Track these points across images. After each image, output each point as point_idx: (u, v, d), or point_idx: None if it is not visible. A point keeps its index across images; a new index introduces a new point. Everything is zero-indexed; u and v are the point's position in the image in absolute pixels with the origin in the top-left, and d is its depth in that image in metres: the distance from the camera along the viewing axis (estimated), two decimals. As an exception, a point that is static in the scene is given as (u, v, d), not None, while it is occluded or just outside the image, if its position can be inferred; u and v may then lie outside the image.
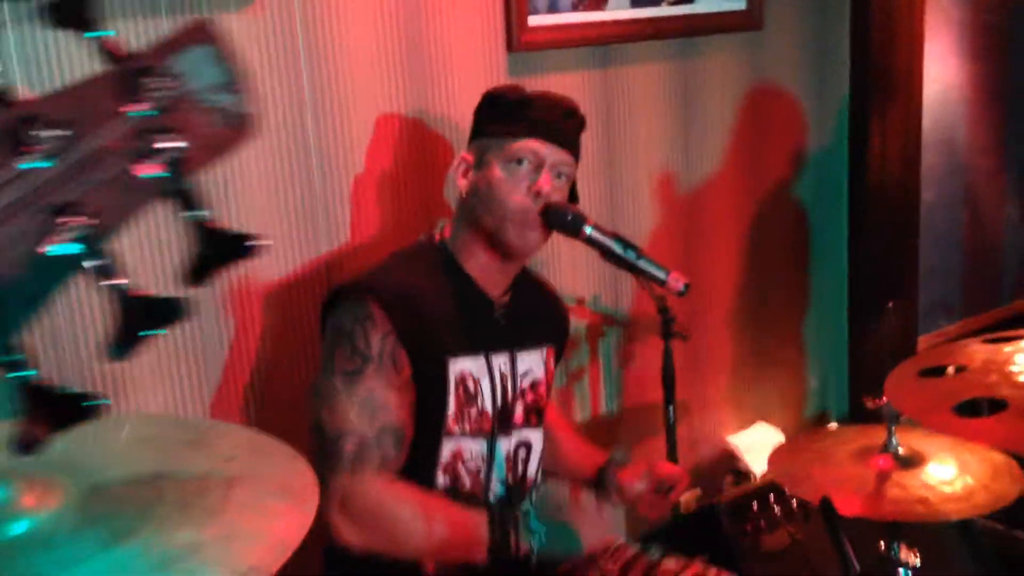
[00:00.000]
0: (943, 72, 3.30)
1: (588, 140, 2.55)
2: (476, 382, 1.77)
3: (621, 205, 2.69)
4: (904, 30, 3.06)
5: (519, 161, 1.74)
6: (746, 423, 3.10)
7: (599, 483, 2.01)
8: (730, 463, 3.00)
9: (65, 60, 1.77)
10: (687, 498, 2.89)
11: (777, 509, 2.62)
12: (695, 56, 2.77)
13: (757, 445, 2.96)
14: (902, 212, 3.22)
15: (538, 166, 1.75)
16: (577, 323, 2.66)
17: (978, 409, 1.31)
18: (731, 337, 3.05)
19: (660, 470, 1.93)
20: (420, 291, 1.74)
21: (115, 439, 1.00)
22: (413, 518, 1.63)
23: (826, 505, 1.22)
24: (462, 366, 1.75)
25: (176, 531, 0.87)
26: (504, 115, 1.77)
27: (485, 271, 1.82)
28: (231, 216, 1.99)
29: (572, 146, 1.81)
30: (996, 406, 1.30)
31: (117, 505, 0.88)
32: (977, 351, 1.54)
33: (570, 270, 2.58)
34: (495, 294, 1.84)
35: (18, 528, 0.83)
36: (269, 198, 2.06)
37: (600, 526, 1.69)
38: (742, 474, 2.95)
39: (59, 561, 0.81)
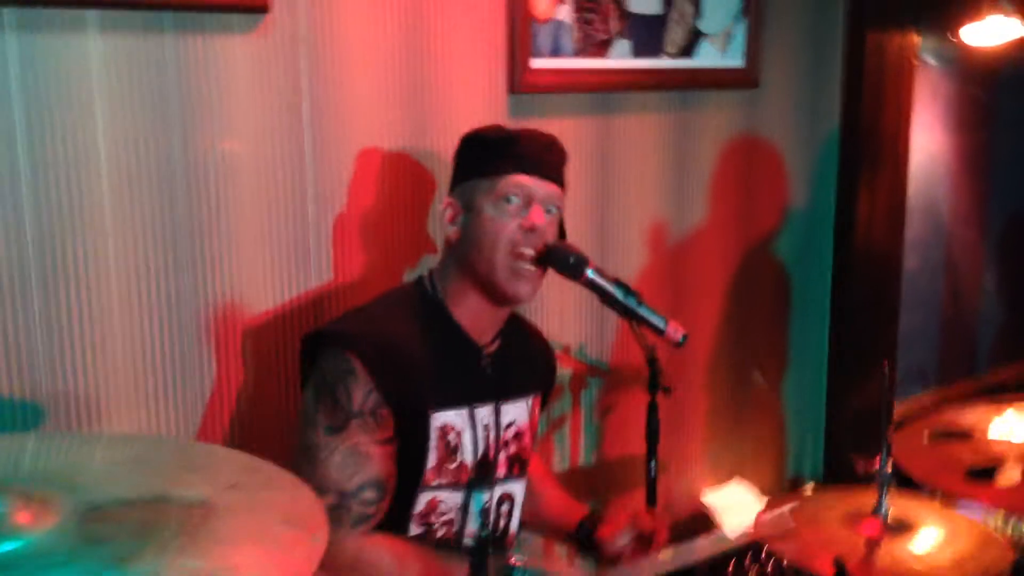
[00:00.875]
0: (929, 142, 3.35)
1: (582, 184, 2.57)
2: (458, 434, 1.73)
3: (611, 251, 2.67)
4: (893, 99, 3.11)
5: (508, 199, 1.70)
6: (722, 480, 3.07)
7: (579, 537, 1.97)
8: (707, 522, 2.95)
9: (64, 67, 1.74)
10: (662, 556, 2.84)
11: (753, 571, 2.58)
12: (692, 109, 2.78)
13: (733, 505, 2.93)
14: (885, 276, 3.24)
15: (527, 202, 1.72)
16: (561, 371, 2.62)
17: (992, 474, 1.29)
18: (710, 392, 3.03)
19: (640, 522, 1.89)
20: (404, 342, 1.69)
21: (110, 458, 0.94)
22: (392, 568, 1.62)
23: (840, 569, 1.19)
24: (445, 419, 1.71)
25: (180, 558, 0.81)
26: (488, 154, 1.73)
27: (474, 318, 1.77)
28: (221, 243, 1.95)
29: (558, 178, 1.78)
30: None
31: (117, 526, 0.82)
32: (985, 415, 1.52)
33: (557, 317, 2.55)
34: (483, 342, 1.80)
35: (11, 545, 0.78)
36: (263, 227, 2.02)
37: None
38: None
39: (56, 583, 0.75)
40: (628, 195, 2.68)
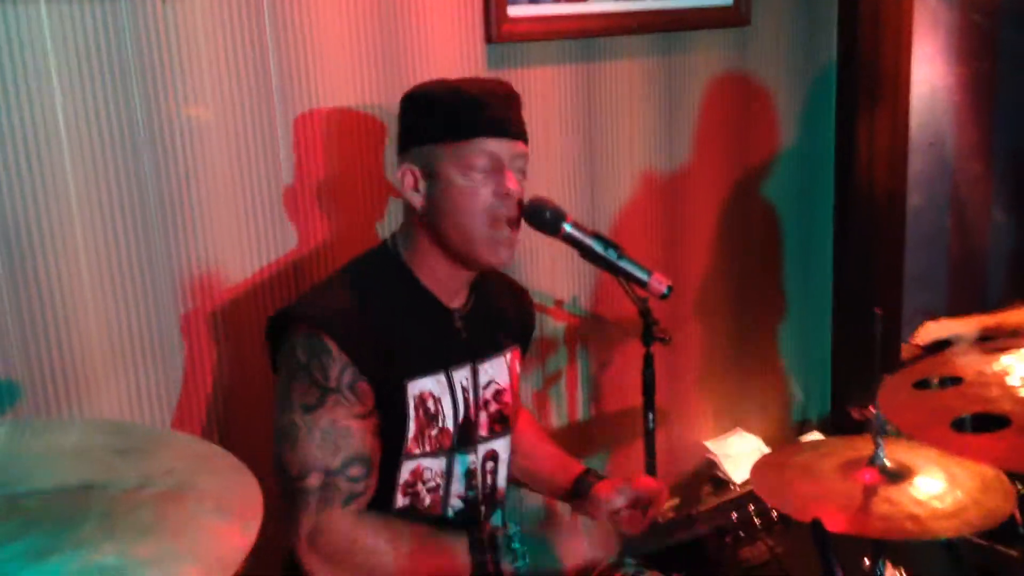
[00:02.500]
0: (931, 74, 3.24)
1: (568, 133, 2.50)
2: (437, 401, 1.69)
3: (601, 202, 2.61)
4: (892, 31, 3.00)
5: (481, 168, 1.62)
6: (724, 429, 3.03)
7: (575, 495, 1.94)
8: (709, 471, 2.92)
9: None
10: (664, 507, 2.82)
11: (757, 520, 2.55)
12: (680, 51, 2.69)
13: (736, 452, 2.89)
14: (889, 216, 3.16)
15: (497, 166, 1.64)
16: (555, 325, 2.58)
17: (977, 424, 1.24)
18: (709, 341, 2.97)
19: (639, 485, 1.85)
20: (374, 314, 1.65)
21: (45, 446, 0.90)
22: (388, 550, 1.58)
23: (817, 528, 1.14)
24: (421, 387, 1.67)
25: (101, 549, 0.77)
26: (447, 118, 1.63)
27: (443, 281, 1.72)
28: (192, 212, 1.90)
29: (523, 134, 1.69)
30: (995, 422, 1.23)
31: (38, 518, 0.78)
32: (972, 362, 1.46)
33: (548, 270, 2.50)
34: (454, 303, 1.75)
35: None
36: (235, 192, 1.96)
37: (581, 544, 1.62)
38: (721, 482, 2.88)
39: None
40: (616, 142, 2.61)
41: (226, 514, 0.83)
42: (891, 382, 1.45)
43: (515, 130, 1.67)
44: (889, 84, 3.05)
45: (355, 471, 1.58)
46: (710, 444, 2.95)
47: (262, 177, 1.99)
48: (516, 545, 1.60)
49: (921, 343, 3.19)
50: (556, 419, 2.62)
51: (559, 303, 2.56)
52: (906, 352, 3.35)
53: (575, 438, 2.65)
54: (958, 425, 1.22)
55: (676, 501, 2.87)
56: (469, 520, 1.78)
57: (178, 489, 0.85)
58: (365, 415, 1.61)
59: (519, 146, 1.67)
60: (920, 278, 3.46)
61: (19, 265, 1.73)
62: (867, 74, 3.04)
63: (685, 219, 2.83)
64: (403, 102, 1.71)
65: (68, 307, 1.79)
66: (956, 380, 1.36)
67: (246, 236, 1.99)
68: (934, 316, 3.52)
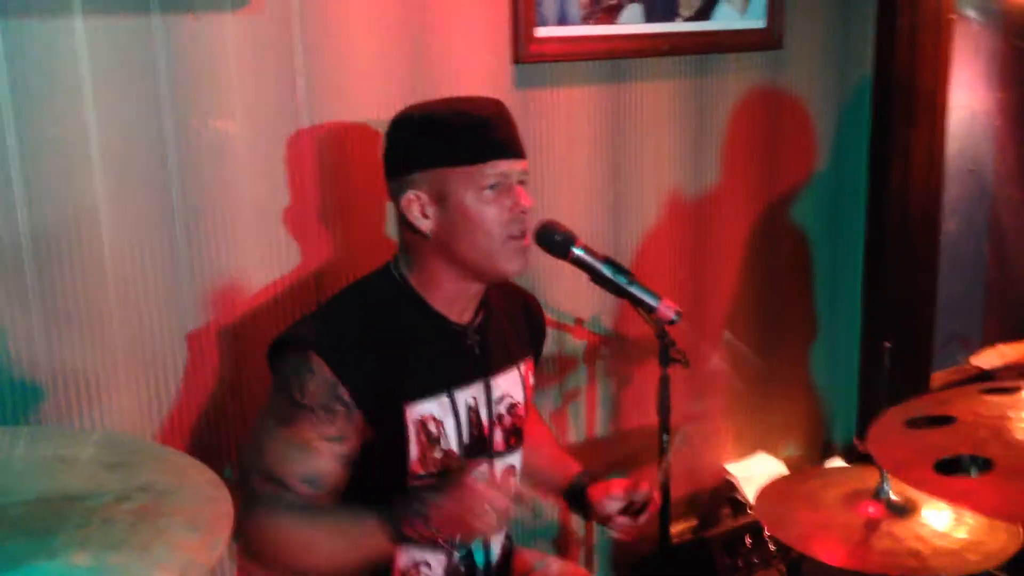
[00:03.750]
0: (970, 99, 3.20)
1: (595, 153, 2.52)
2: (439, 423, 1.71)
3: (626, 223, 2.62)
4: (930, 55, 2.97)
5: (492, 186, 1.65)
6: (746, 452, 3.02)
7: (570, 494, 1.95)
8: (728, 493, 2.91)
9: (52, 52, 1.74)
10: (681, 528, 2.82)
11: (771, 545, 2.54)
12: (710, 74, 2.69)
13: (757, 475, 2.88)
14: (921, 241, 3.12)
15: (507, 185, 1.66)
16: (575, 344, 2.60)
17: (965, 467, 1.23)
18: (733, 363, 2.96)
19: (632, 488, 1.85)
20: (374, 337, 1.66)
21: (30, 455, 0.95)
22: (308, 540, 1.60)
23: (794, 566, 1.15)
24: (422, 410, 1.68)
25: (74, 557, 0.81)
26: (454, 140, 1.64)
27: (452, 300, 1.73)
28: (216, 225, 1.95)
29: (523, 151, 1.72)
30: (984, 465, 1.22)
31: (12, 528, 0.82)
32: (973, 402, 1.45)
33: (570, 289, 2.50)
34: (465, 320, 1.76)
35: (-99, 551, 0.79)
36: (258, 205, 2.01)
37: (487, 500, 1.54)
38: (740, 505, 2.87)
39: (-62, 590, 0.76)
40: (643, 164, 2.62)
41: (196, 530, 0.87)
42: (887, 417, 1.45)
43: (520, 150, 1.70)
44: (926, 108, 3.02)
45: (304, 488, 1.61)
46: (730, 466, 2.94)
47: (285, 191, 2.04)
48: (418, 503, 1.57)
49: (985, 367, 3.17)
50: (574, 436, 2.63)
51: (579, 321, 2.58)
52: (960, 372, 3.32)
53: (593, 456, 2.65)
54: (939, 467, 1.21)
55: (694, 522, 2.87)
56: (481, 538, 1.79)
57: (154, 503, 0.89)
58: (334, 438, 1.62)
59: (524, 164, 1.71)
60: (955, 304, 3.42)
61: (48, 273, 1.79)
62: (903, 97, 3.01)
63: (712, 241, 2.82)
64: (399, 126, 1.71)
65: (94, 314, 1.85)
66: (949, 419, 1.35)
67: (268, 249, 2.04)
68: (968, 343, 3.49)
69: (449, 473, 1.71)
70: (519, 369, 1.86)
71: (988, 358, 3.31)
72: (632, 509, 1.84)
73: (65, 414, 1.84)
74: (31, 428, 1.58)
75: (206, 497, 0.94)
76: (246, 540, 1.61)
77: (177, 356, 1.96)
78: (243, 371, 2.04)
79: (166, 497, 0.91)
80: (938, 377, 3.29)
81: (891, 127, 3.04)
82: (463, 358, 1.75)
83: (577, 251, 1.77)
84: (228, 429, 2.04)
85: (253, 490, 1.61)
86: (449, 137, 1.65)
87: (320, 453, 1.61)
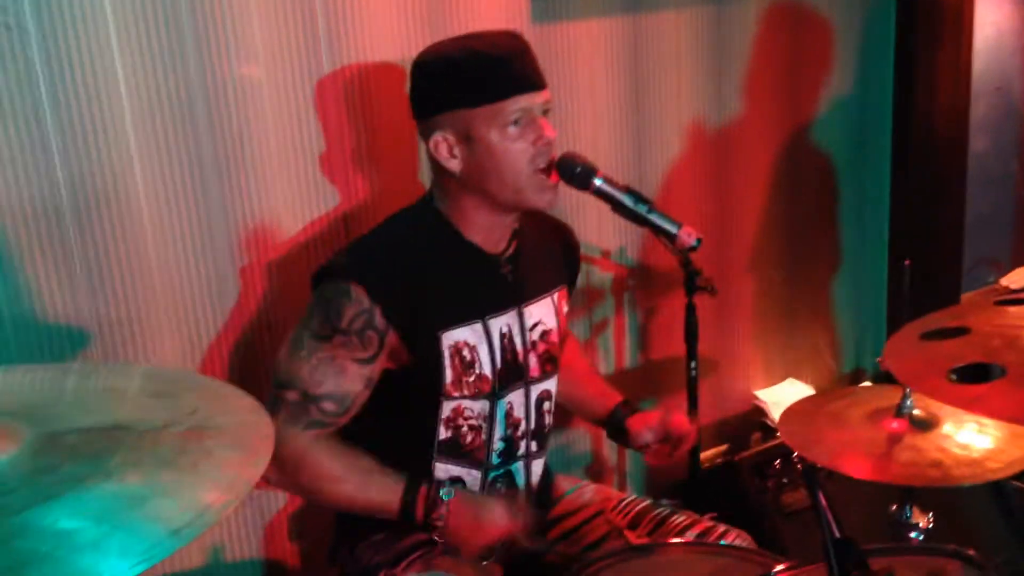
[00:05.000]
0: (997, 16, 3.15)
1: (614, 84, 2.52)
2: (472, 349, 1.76)
3: (648, 154, 2.63)
4: (955, -29, 2.92)
5: (515, 122, 1.68)
6: (776, 379, 3.06)
7: (610, 424, 2.02)
8: (758, 419, 2.96)
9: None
10: (712, 453, 2.87)
11: (799, 466, 2.58)
12: (730, 1, 2.67)
13: (786, 401, 2.90)
14: (948, 162, 3.10)
15: (531, 118, 1.70)
16: (602, 275, 2.63)
17: (977, 374, 1.26)
18: (762, 292, 2.99)
19: (670, 422, 1.91)
20: (411, 267, 1.72)
21: (82, 387, 1.01)
22: (332, 476, 1.70)
23: (808, 472, 1.20)
24: (456, 337, 1.74)
25: (128, 477, 0.88)
26: (475, 80, 1.67)
27: (486, 232, 1.78)
28: (246, 168, 2.00)
29: (544, 80, 1.74)
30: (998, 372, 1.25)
31: (70, 453, 0.89)
32: (988, 314, 1.48)
33: (595, 222, 2.54)
34: (499, 250, 1.81)
35: (-32, 472, 0.85)
36: (287, 148, 2.05)
37: (507, 515, 1.70)
38: (770, 430, 2.91)
39: (6, 507, 0.82)
40: (664, 95, 2.62)
41: (240, 449, 0.93)
42: (903, 332, 1.48)
43: (540, 81, 1.72)
44: (952, 25, 2.98)
45: (329, 405, 1.69)
46: (760, 392, 2.98)
47: (313, 134, 2.08)
48: (442, 500, 1.69)
49: (1015, 287, 3.16)
50: (604, 367, 2.68)
51: (606, 254, 2.61)
52: (991, 293, 3.32)
53: (622, 386, 2.66)
54: (960, 375, 1.24)
55: (725, 447, 2.93)
56: (511, 457, 1.86)
57: (199, 427, 0.95)
58: (364, 360, 1.69)
59: (545, 94, 1.73)
60: (985, 225, 3.40)
61: (86, 219, 1.85)
62: (928, 15, 2.97)
63: (736, 170, 2.83)
64: (419, 69, 1.74)
65: (132, 259, 1.91)
66: (964, 331, 1.38)
67: (299, 190, 2.09)
68: (998, 263, 3.47)
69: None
70: (552, 298, 1.91)
71: (1018, 278, 3.31)
72: (669, 441, 1.90)
73: (111, 356, 1.92)
74: (81, 364, 1.65)
75: (247, 421, 1.00)
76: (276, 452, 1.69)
77: (215, 298, 2.02)
78: (280, 309, 2.10)
79: (210, 421, 0.97)
80: (968, 298, 3.29)
81: (916, 47, 3.01)
82: (497, 286, 1.81)
83: (598, 182, 1.80)
84: (264, 368, 2.11)
85: (280, 398, 1.69)
86: (468, 78, 1.67)
87: (349, 374, 1.68)
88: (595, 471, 2.73)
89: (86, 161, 1.84)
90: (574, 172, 1.78)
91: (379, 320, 1.67)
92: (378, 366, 1.71)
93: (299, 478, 1.70)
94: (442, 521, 1.69)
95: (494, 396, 1.81)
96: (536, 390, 1.88)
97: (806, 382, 3.06)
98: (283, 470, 1.67)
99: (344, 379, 1.68)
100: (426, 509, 1.69)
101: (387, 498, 1.70)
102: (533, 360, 1.87)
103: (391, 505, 1.70)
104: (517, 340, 1.83)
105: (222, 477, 0.88)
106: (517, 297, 1.83)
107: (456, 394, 1.77)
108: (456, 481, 1.81)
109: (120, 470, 0.87)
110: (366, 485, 1.71)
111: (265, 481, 1.67)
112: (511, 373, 1.83)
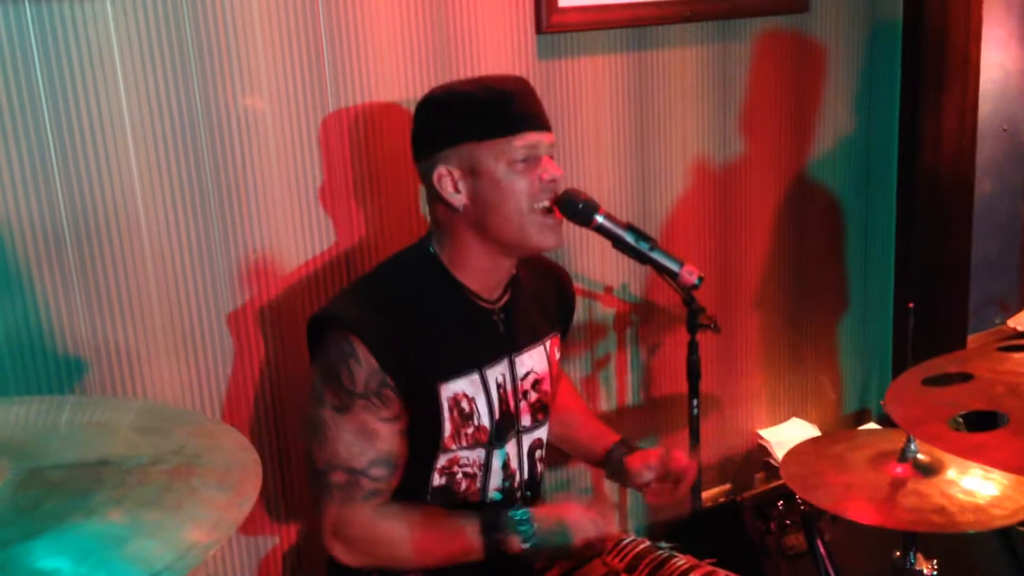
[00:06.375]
0: (1004, 59, 3.15)
1: (620, 124, 2.53)
2: (471, 401, 1.74)
3: (652, 191, 2.63)
4: (961, 13, 2.92)
5: (523, 159, 1.67)
6: (780, 418, 3.03)
7: (609, 464, 1.99)
8: (762, 458, 2.93)
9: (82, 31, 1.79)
10: (715, 492, 2.84)
11: (804, 508, 2.55)
12: (735, 39, 2.68)
13: (790, 440, 2.89)
14: (955, 203, 3.09)
15: (536, 156, 1.69)
16: (605, 311, 2.62)
17: (979, 422, 1.24)
18: (767, 330, 2.97)
19: (670, 459, 1.89)
20: (407, 317, 1.69)
21: (73, 421, 1.00)
22: (406, 538, 1.67)
23: (807, 520, 1.18)
24: (455, 388, 1.72)
25: (110, 515, 0.86)
26: (483, 115, 1.67)
27: (483, 278, 1.76)
28: (248, 200, 2.00)
29: (550, 124, 1.74)
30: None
31: (53, 490, 0.87)
32: (991, 360, 1.46)
33: (598, 257, 2.53)
34: (492, 298, 1.79)
35: (-53, 509, 0.84)
36: (289, 180, 2.05)
37: (591, 521, 1.67)
38: (774, 469, 2.88)
39: (-16, 546, 0.81)
40: (669, 132, 2.62)
41: (226, 489, 0.91)
42: (906, 377, 1.46)
43: (547, 122, 1.73)
44: (958, 67, 2.98)
45: (378, 472, 1.65)
46: (764, 432, 2.96)
47: (317, 165, 2.08)
48: (523, 524, 1.65)
49: (1022, 328, 3.14)
50: (605, 404, 2.66)
51: (609, 289, 2.60)
52: (997, 335, 3.29)
53: (624, 422, 2.68)
54: (953, 424, 1.22)
55: (727, 486, 2.90)
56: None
57: (186, 465, 0.93)
58: (392, 418, 1.66)
59: (551, 136, 1.73)
60: (992, 266, 3.39)
61: (87, 247, 1.85)
62: (934, 57, 2.97)
63: (741, 208, 2.82)
64: (426, 104, 1.74)
65: (132, 288, 1.91)
66: (967, 376, 1.36)
67: (301, 224, 2.08)
68: (1005, 305, 3.45)
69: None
70: (544, 345, 1.88)
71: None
72: (669, 479, 1.88)
73: (109, 386, 1.91)
74: (76, 398, 1.64)
75: (235, 459, 0.98)
76: (337, 534, 1.66)
77: (216, 328, 2.01)
78: (280, 341, 2.09)
79: (197, 459, 0.96)
80: (974, 340, 3.27)
81: (922, 87, 3.01)
82: (490, 336, 1.78)
83: (600, 218, 1.79)
84: (266, 397, 2.10)
85: (326, 484, 1.65)
86: (478, 112, 1.67)
87: (383, 435, 1.65)
88: (595, 508, 2.69)
89: (88, 188, 1.83)
90: (576, 208, 1.78)
91: (386, 376, 1.64)
92: (405, 420, 1.69)
93: (377, 552, 1.67)
94: (533, 538, 1.65)
95: (491, 446, 1.79)
96: (528, 440, 1.86)
97: (811, 422, 3.03)
98: (358, 550, 1.66)
99: (380, 441, 1.65)
100: (511, 535, 1.65)
101: (467, 542, 1.66)
102: (524, 409, 1.84)
103: (474, 548, 1.66)
104: (509, 389, 1.81)
105: (206, 517, 0.86)
106: (509, 347, 1.81)
107: (453, 446, 1.74)
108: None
109: (103, 508, 0.86)
110: (442, 537, 1.68)
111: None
112: (506, 423, 1.80)
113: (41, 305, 1.82)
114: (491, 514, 1.69)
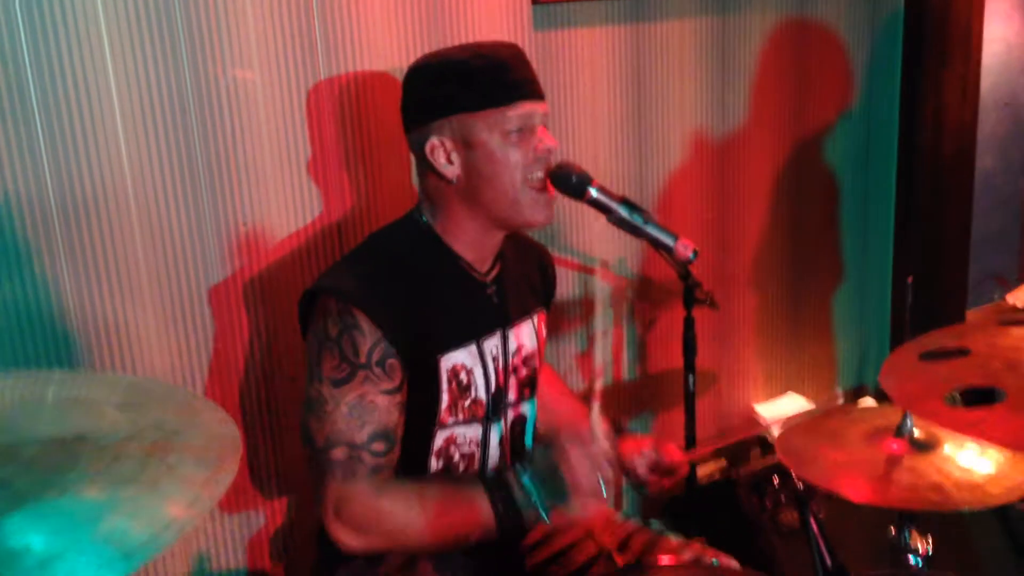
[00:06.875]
0: (1006, 31, 3.11)
1: (617, 96, 2.49)
2: (469, 372, 1.71)
3: (650, 164, 2.60)
4: (964, -15, 2.89)
5: (518, 129, 1.63)
6: (776, 393, 3.02)
7: None
8: (757, 433, 2.91)
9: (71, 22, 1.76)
10: (711, 469, 2.83)
11: (798, 485, 2.54)
12: (735, 10, 2.65)
13: (786, 415, 2.88)
14: (955, 179, 3.06)
15: (531, 126, 1.66)
16: (601, 287, 2.60)
17: (977, 397, 1.22)
18: (763, 305, 2.95)
19: (663, 454, 1.86)
20: (407, 287, 1.66)
21: (53, 397, 0.98)
22: (412, 513, 1.59)
23: (801, 500, 1.16)
24: (454, 360, 1.69)
25: (85, 492, 0.84)
26: (476, 85, 1.62)
27: (475, 249, 1.73)
28: (238, 173, 1.97)
29: (543, 93, 1.70)
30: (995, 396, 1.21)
31: (27, 467, 0.85)
32: (989, 335, 1.44)
33: (595, 232, 2.50)
34: (484, 270, 1.76)
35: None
36: (280, 153, 2.03)
37: (591, 481, 1.56)
38: (769, 445, 2.87)
39: (-45, 524, 0.79)
40: (667, 104, 2.59)
41: (204, 466, 0.89)
42: (902, 351, 1.44)
43: (540, 91, 1.69)
44: (960, 41, 2.94)
45: (379, 446, 1.60)
46: (759, 407, 2.94)
47: (306, 139, 2.05)
48: (527, 484, 1.57)
49: (1021, 304, 3.12)
50: (601, 379, 2.64)
51: (605, 264, 2.58)
52: (996, 310, 3.28)
53: (620, 399, 2.67)
54: (950, 399, 1.20)
55: (723, 462, 2.88)
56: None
57: (164, 441, 0.91)
58: (393, 391, 1.62)
59: (545, 106, 1.70)
60: (991, 242, 3.36)
61: (75, 221, 1.83)
62: (936, 30, 2.94)
63: (739, 182, 2.80)
64: (417, 73, 1.69)
65: (120, 262, 1.89)
66: (964, 352, 1.34)
67: (291, 195, 2.06)
68: (1005, 280, 3.43)
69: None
70: (533, 321, 1.87)
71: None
72: (659, 471, 1.86)
73: (98, 360, 1.89)
74: (61, 373, 1.62)
75: (215, 434, 0.96)
76: (340, 514, 1.58)
77: (205, 303, 1.99)
78: (271, 316, 2.07)
79: (175, 435, 0.94)
80: (973, 315, 3.25)
81: (923, 61, 2.97)
82: (485, 308, 1.76)
83: (593, 191, 1.76)
84: (253, 376, 2.08)
85: (326, 461, 1.59)
86: (472, 82, 1.63)
87: (383, 408, 1.61)
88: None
89: (75, 161, 1.81)
90: (569, 181, 1.75)
91: (389, 346, 1.60)
92: (404, 394, 1.64)
93: (382, 529, 1.59)
94: (537, 492, 1.56)
95: (487, 420, 1.77)
96: (511, 414, 1.83)
97: (807, 396, 3.02)
98: (362, 530, 1.58)
99: (381, 414, 1.60)
100: (514, 500, 1.56)
101: (475, 510, 1.58)
102: (513, 384, 1.82)
103: (481, 513, 1.58)
104: (501, 363, 1.78)
105: (183, 495, 0.84)
106: (503, 319, 1.78)
107: (450, 420, 1.71)
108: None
109: (78, 484, 0.84)
110: (447, 508, 1.60)
111: (351, 552, 1.60)
112: (497, 396, 1.78)
113: (28, 280, 1.80)
114: (493, 481, 1.62)
